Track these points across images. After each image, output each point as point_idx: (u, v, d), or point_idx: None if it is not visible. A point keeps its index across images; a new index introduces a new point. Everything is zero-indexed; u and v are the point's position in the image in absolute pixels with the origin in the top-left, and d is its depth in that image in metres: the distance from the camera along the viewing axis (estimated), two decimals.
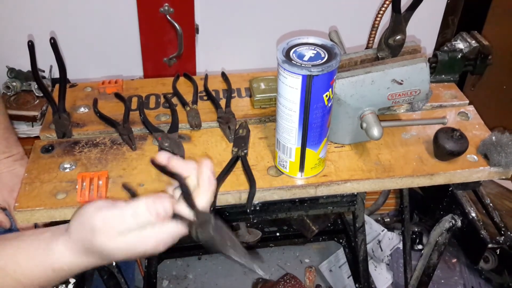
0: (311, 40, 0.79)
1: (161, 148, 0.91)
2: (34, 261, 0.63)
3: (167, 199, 0.60)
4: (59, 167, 0.89)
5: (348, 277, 1.76)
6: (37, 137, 0.97)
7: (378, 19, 0.98)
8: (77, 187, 0.84)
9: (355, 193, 0.99)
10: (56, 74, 1.34)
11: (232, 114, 1.01)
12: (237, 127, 0.98)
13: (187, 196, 0.62)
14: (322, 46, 0.79)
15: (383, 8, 0.95)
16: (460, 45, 1.08)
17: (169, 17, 1.38)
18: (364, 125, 0.89)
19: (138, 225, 0.59)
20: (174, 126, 0.96)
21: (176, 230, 0.61)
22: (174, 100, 1.05)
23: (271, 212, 0.98)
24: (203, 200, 0.62)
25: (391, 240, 1.78)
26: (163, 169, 0.62)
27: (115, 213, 0.59)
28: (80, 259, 0.63)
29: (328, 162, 0.92)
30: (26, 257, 0.63)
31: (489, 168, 0.92)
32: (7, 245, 0.64)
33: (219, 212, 0.99)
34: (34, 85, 1.40)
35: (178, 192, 0.64)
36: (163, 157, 0.62)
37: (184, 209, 0.62)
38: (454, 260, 1.71)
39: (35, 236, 0.66)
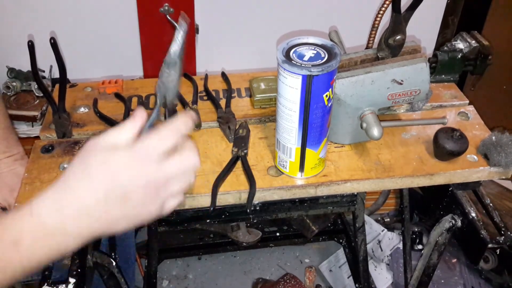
0: (311, 40, 0.79)
1: None
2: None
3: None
4: (59, 167, 0.89)
5: (348, 277, 1.76)
6: (37, 137, 0.97)
7: (378, 19, 0.98)
8: None
9: (355, 193, 0.99)
10: (56, 74, 1.33)
11: (232, 114, 1.01)
12: (237, 127, 0.98)
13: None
14: (322, 46, 0.79)
15: (383, 8, 0.95)
16: (460, 45, 1.08)
17: (169, 17, 1.38)
18: (364, 125, 0.89)
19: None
20: None
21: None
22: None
23: (271, 212, 0.98)
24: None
25: (391, 240, 1.78)
26: None
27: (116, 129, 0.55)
28: (65, 218, 0.52)
29: (328, 162, 0.92)
30: None
31: (489, 168, 0.92)
32: None
33: (219, 212, 0.99)
34: (34, 85, 1.40)
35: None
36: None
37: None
38: (454, 260, 1.71)
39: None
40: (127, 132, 0.55)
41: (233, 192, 0.86)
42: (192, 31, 1.44)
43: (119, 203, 0.53)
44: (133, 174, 0.53)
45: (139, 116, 0.57)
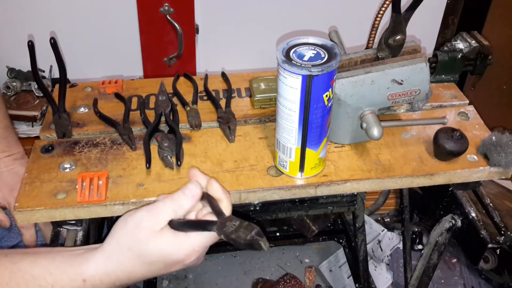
0: (311, 40, 0.79)
1: (160, 148, 0.91)
2: (66, 271, 0.65)
3: (194, 184, 0.68)
4: (59, 167, 0.89)
5: (348, 277, 1.76)
6: (37, 137, 0.97)
7: (378, 19, 0.98)
8: (77, 187, 0.84)
9: (355, 193, 0.99)
10: (56, 74, 1.34)
11: (232, 114, 1.01)
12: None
13: (214, 205, 0.69)
14: (322, 46, 0.79)
15: (383, 8, 0.95)
16: (460, 45, 1.08)
17: (169, 17, 1.38)
18: (364, 125, 0.89)
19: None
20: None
21: (209, 236, 0.66)
22: (174, 100, 1.05)
23: (271, 212, 0.98)
24: (227, 208, 0.69)
25: (391, 240, 1.78)
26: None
27: (157, 206, 0.65)
28: (113, 268, 0.65)
29: (328, 162, 0.92)
30: (58, 268, 0.65)
31: (489, 168, 0.92)
32: (41, 257, 0.67)
33: None
34: (34, 85, 1.40)
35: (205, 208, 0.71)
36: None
37: (214, 218, 0.68)
38: (454, 260, 1.71)
39: (68, 251, 0.68)
40: (173, 214, 0.67)
41: (233, 192, 0.86)
42: (192, 31, 1.44)
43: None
44: (180, 260, 0.66)
45: (189, 202, 0.68)
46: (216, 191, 0.70)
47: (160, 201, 0.67)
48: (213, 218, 0.67)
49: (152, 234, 0.64)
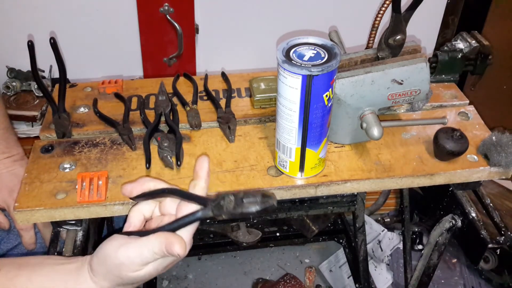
0: (311, 40, 0.79)
1: (160, 148, 0.91)
2: None
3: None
4: (59, 167, 0.89)
5: (348, 277, 1.76)
6: (37, 137, 0.97)
7: (378, 19, 0.98)
8: (77, 187, 0.84)
9: (355, 193, 0.99)
10: (56, 74, 1.34)
11: (232, 114, 1.01)
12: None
13: (187, 196, 0.64)
14: (322, 46, 0.79)
15: (383, 8, 0.95)
16: (460, 45, 1.08)
17: (169, 17, 1.38)
18: (364, 125, 0.89)
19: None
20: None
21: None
22: (174, 100, 1.05)
23: (271, 212, 0.98)
24: (202, 188, 0.66)
25: (391, 240, 1.78)
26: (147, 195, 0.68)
27: (135, 250, 0.64)
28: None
29: (328, 162, 0.92)
30: (53, 284, 0.67)
31: (489, 168, 0.92)
32: (36, 273, 0.68)
33: None
34: (34, 85, 1.40)
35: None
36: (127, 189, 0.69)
37: (192, 207, 0.64)
38: (454, 260, 1.70)
39: (63, 263, 0.69)
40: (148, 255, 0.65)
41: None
42: (192, 31, 1.44)
43: None
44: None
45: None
46: (200, 168, 0.66)
47: (140, 242, 0.65)
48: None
49: (133, 273, 0.65)
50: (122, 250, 0.64)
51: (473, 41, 1.07)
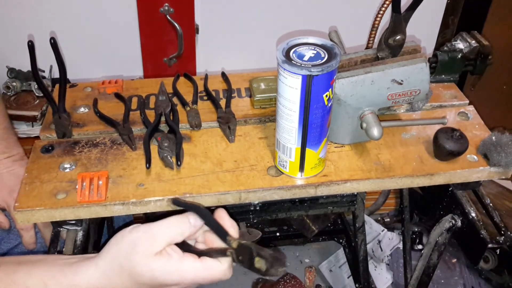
0: (311, 40, 0.79)
1: (160, 148, 0.91)
2: (61, 282, 0.65)
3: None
4: (59, 167, 0.89)
5: (348, 277, 1.76)
6: (37, 137, 0.97)
7: (378, 19, 0.98)
8: (77, 187, 0.84)
9: (355, 193, 0.99)
10: (56, 74, 1.34)
11: (232, 114, 1.01)
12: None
13: (218, 230, 0.67)
14: (322, 46, 0.79)
15: (383, 8, 0.95)
16: (460, 45, 1.08)
17: (169, 17, 1.38)
18: (364, 125, 0.89)
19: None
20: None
21: (203, 269, 0.65)
22: (174, 100, 1.05)
23: (271, 212, 0.98)
24: (234, 231, 0.68)
25: (391, 240, 1.78)
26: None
27: (156, 230, 0.63)
28: (108, 281, 0.65)
29: (328, 162, 0.92)
30: (53, 278, 0.65)
31: (489, 168, 0.92)
32: (36, 267, 0.67)
33: None
34: (34, 85, 1.40)
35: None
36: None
37: (221, 243, 0.67)
38: (454, 260, 1.71)
39: (63, 259, 0.68)
40: (169, 239, 0.65)
41: (233, 192, 0.86)
42: (192, 31, 1.44)
43: None
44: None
45: (189, 229, 0.67)
46: (223, 220, 0.69)
47: (159, 224, 0.66)
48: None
49: (145, 258, 0.64)
50: (143, 227, 0.64)
51: (473, 41, 1.07)
